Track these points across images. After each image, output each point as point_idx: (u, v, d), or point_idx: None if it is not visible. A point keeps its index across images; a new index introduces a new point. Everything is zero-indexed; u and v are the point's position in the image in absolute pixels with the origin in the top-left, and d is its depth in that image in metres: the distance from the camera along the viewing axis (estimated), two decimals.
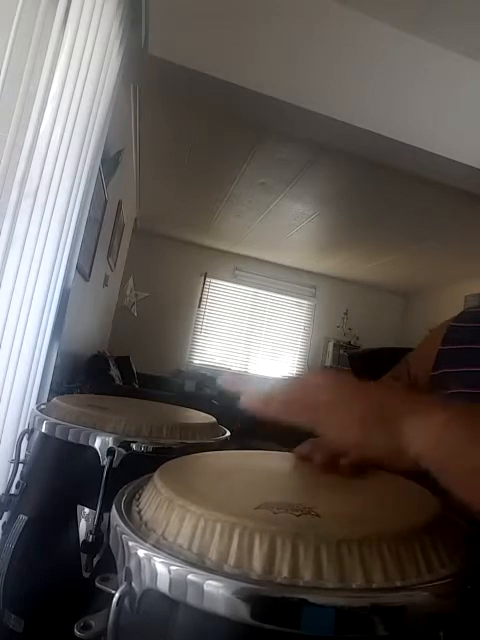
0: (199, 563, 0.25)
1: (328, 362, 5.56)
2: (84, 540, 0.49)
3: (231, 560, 0.25)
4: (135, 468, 0.40)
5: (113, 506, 0.32)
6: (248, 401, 0.32)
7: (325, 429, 0.30)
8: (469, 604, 0.25)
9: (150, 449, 0.51)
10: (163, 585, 0.25)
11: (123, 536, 0.28)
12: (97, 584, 0.29)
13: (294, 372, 5.60)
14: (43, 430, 0.54)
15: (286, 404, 0.31)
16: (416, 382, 0.67)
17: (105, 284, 3.39)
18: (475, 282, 4.65)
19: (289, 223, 4.10)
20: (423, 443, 0.28)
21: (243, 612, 0.23)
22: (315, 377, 0.35)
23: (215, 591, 0.23)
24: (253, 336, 5.50)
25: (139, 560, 0.26)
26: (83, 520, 0.51)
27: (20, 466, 0.60)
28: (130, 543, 0.27)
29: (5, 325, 1.06)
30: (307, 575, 0.24)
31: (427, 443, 0.28)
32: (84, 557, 0.49)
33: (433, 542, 0.27)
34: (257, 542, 0.25)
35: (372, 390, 0.33)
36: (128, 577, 0.26)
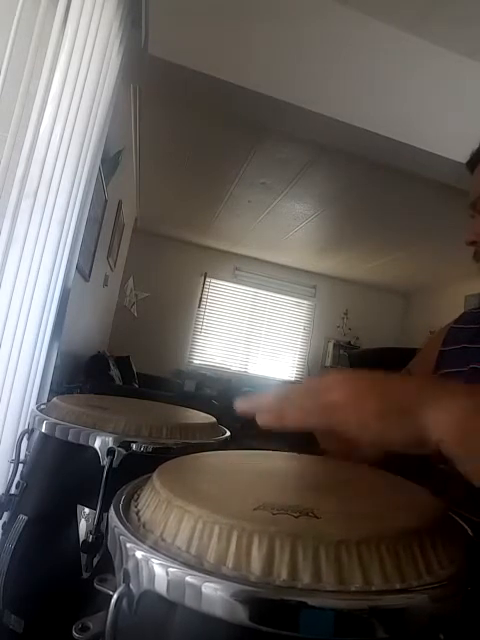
0: (197, 565, 0.25)
1: (328, 362, 5.56)
2: (84, 540, 0.49)
3: (229, 562, 0.25)
4: (135, 468, 0.40)
5: (111, 507, 0.31)
6: (263, 418, 0.31)
7: (343, 429, 0.29)
8: (469, 606, 0.25)
9: (150, 449, 0.51)
10: (161, 587, 0.25)
11: (121, 537, 0.27)
12: (96, 585, 0.29)
13: (298, 376, 5.60)
14: (43, 430, 0.54)
15: (300, 412, 0.31)
16: None
17: (105, 284, 3.39)
18: (475, 282, 4.64)
19: (289, 223, 4.10)
20: (446, 429, 0.27)
21: (241, 614, 0.22)
22: (324, 379, 0.34)
23: (213, 593, 0.23)
24: (253, 336, 5.50)
25: (137, 561, 0.26)
26: (83, 520, 0.51)
27: (20, 466, 0.60)
28: (128, 544, 0.27)
29: (5, 325, 1.06)
30: (306, 577, 0.24)
31: (450, 429, 0.27)
32: (84, 557, 0.49)
33: (433, 543, 0.27)
34: (256, 544, 0.25)
35: (386, 381, 0.33)
36: (126, 579, 0.26)
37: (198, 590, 0.23)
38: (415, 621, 0.23)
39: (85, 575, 0.49)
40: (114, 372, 3.18)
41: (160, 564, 0.25)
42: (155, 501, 0.31)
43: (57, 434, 0.53)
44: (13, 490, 0.57)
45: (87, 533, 0.49)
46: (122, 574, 0.27)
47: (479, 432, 0.27)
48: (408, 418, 0.28)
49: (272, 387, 0.35)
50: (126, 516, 0.31)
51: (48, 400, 0.80)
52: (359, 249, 4.57)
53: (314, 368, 5.60)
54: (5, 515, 0.57)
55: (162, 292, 5.08)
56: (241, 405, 0.33)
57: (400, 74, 1.92)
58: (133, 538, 0.27)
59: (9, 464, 0.61)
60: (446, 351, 0.66)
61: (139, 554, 0.26)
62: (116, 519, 0.30)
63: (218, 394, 4.32)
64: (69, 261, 1.27)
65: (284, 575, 0.24)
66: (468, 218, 0.68)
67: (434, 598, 0.24)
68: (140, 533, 0.28)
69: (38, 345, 1.17)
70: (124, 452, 0.50)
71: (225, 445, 0.59)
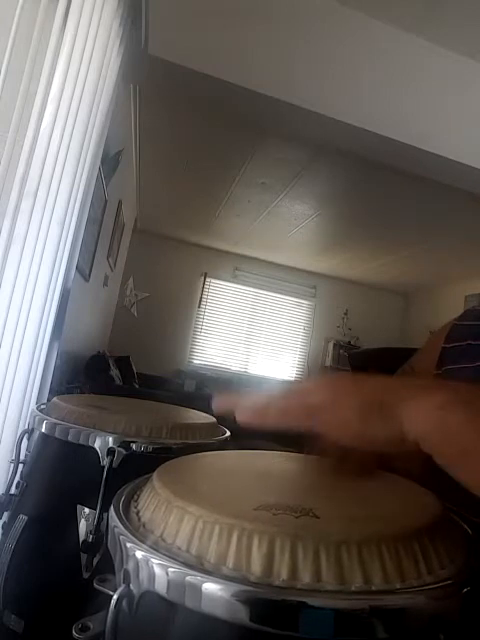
0: (197, 565, 0.25)
1: (328, 362, 5.56)
2: (84, 540, 0.49)
3: (230, 562, 0.25)
4: (135, 468, 0.40)
5: (111, 507, 0.31)
6: (242, 416, 0.31)
7: (325, 430, 0.29)
8: (470, 606, 0.25)
9: (150, 449, 0.51)
10: (161, 587, 0.25)
11: (121, 537, 0.27)
12: (96, 585, 0.29)
13: (291, 376, 5.59)
14: (43, 430, 0.54)
15: (282, 412, 0.31)
16: None
17: (105, 284, 3.39)
18: (475, 282, 4.65)
19: (289, 223, 4.10)
20: (422, 426, 0.27)
21: (242, 614, 0.22)
22: (308, 382, 0.35)
23: (213, 593, 0.23)
24: (253, 336, 5.50)
25: (137, 562, 0.26)
26: (83, 520, 0.51)
27: (20, 466, 0.60)
28: (128, 544, 0.27)
29: (5, 325, 1.06)
30: (306, 577, 0.24)
31: (425, 426, 0.27)
32: (84, 557, 0.49)
33: (433, 543, 0.27)
34: (256, 544, 0.25)
35: (367, 382, 0.32)
36: (126, 579, 0.26)
37: (198, 590, 0.23)
38: (415, 621, 0.23)
39: (85, 575, 0.49)
40: (114, 372, 3.18)
41: (160, 564, 0.25)
42: (155, 501, 0.31)
43: (57, 434, 0.53)
44: (13, 490, 0.57)
45: (87, 533, 0.49)
46: (122, 574, 0.27)
47: (450, 430, 0.27)
48: (388, 416, 0.28)
49: (263, 387, 0.35)
50: (126, 516, 0.31)
51: (48, 400, 0.80)
52: (359, 249, 4.57)
53: (314, 368, 5.60)
54: (5, 515, 0.57)
55: (162, 292, 5.07)
56: (219, 403, 0.33)
57: (400, 74, 1.92)
58: (133, 538, 0.27)
59: (9, 464, 0.61)
60: (449, 348, 0.66)
61: (139, 554, 0.26)
62: (116, 519, 0.30)
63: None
64: (69, 261, 1.27)
65: (284, 575, 0.24)
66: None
67: (434, 598, 0.24)
68: (140, 533, 0.28)
69: (38, 345, 1.17)
70: (124, 452, 0.50)
71: (225, 445, 0.59)
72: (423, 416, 0.27)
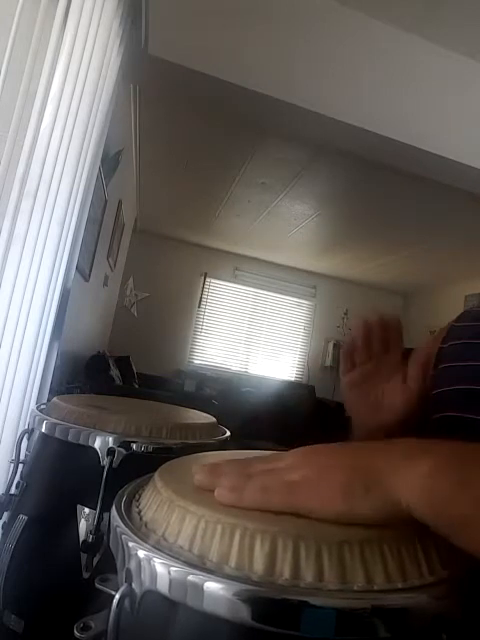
0: (200, 564, 0.25)
1: (328, 362, 5.56)
2: (84, 540, 0.49)
3: (232, 561, 0.25)
4: (135, 468, 0.40)
5: (113, 506, 0.31)
6: (221, 495, 0.29)
7: (308, 509, 0.28)
8: (472, 605, 0.25)
9: (150, 449, 0.51)
10: (163, 586, 0.25)
11: (123, 537, 0.27)
12: (97, 585, 0.29)
13: (298, 376, 5.58)
14: (43, 430, 0.54)
15: (262, 490, 0.29)
16: None
17: (105, 284, 3.39)
18: (475, 282, 4.65)
19: (289, 223, 4.10)
20: (411, 498, 0.26)
21: (244, 613, 0.22)
22: (286, 456, 0.33)
23: (215, 592, 0.23)
24: (253, 336, 5.50)
25: (139, 561, 0.26)
26: (83, 520, 0.51)
27: (20, 466, 0.60)
28: (130, 544, 0.27)
29: (5, 325, 1.06)
30: (308, 576, 0.24)
31: (414, 498, 0.26)
32: (84, 557, 0.49)
33: (435, 543, 0.27)
34: (258, 543, 0.25)
35: (348, 453, 0.32)
36: (128, 578, 0.26)
37: (200, 589, 0.23)
38: (417, 620, 0.23)
39: (85, 575, 0.49)
40: (114, 372, 3.18)
41: (162, 563, 0.25)
42: (157, 501, 0.31)
43: (57, 434, 0.53)
44: (13, 490, 0.57)
45: (87, 533, 0.49)
46: (124, 573, 0.27)
47: (440, 498, 0.26)
48: (374, 491, 0.27)
49: (241, 463, 0.34)
50: (128, 516, 0.31)
51: (48, 400, 0.80)
52: (359, 249, 4.58)
53: (314, 368, 5.60)
54: (5, 515, 0.57)
55: (162, 292, 5.07)
56: (201, 479, 0.32)
57: (400, 74, 1.92)
58: (135, 537, 0.27)
59: (9, 464, 0.61)
60: (445, 347, 0.66)
61: (141, 553, 0.26)
62: (118, 519, 0.30)
63: (218, 394, 4.32)
64: (69, 261, 1.27)
65: (286, 574, 0.24)
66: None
67: (436, 597, 0.24)
68: (142, 532, 0.28)
69: (38, 345, 1.17)
70: (124, 452, 0.50)
71: (225, 445, 0.59)
72: (410, 487, 0.26)
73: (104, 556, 0.49)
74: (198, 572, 0.24)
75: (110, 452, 0.50)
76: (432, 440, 0.31)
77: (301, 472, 0.30)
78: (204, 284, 5.32)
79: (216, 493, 0.30)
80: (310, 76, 1.82)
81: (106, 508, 0.48)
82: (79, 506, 0.51)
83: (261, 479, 0.30)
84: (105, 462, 0.50)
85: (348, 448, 0.33)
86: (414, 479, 0.27)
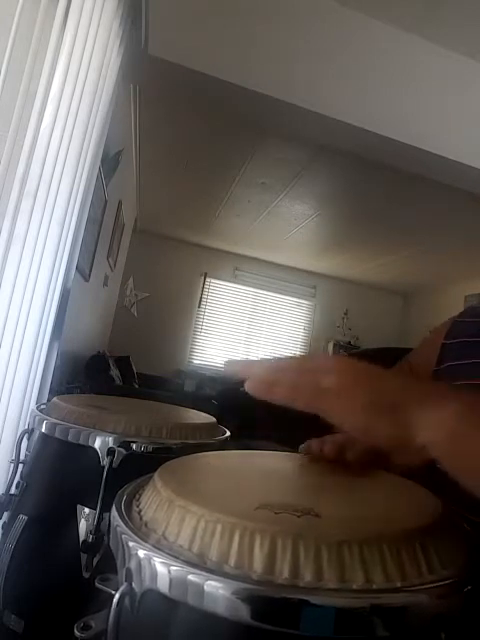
0: (200, 563, 0.25)
1: None
2: (84, 540, 0.49)
3: (232, 560, 0.25)
4: (135, 468, 0.40)
5: (113, 506, 0.32)
6: (252, 385, 0.30)
7: (331, 415, 0.29)
8: (470, 605, 0.25)
9: (150, 449, 0.51)
10: (163, 585, 0.25)
11: (123, 536, 0.28)
12: (97, 584, 0.29)
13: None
14: (43, 430, 0.54)
15: (291, 389, 0.30)
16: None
17: (105, 284, 3.39)
18: (475, 282, 4.65)
19: (289, 223, 4.10)
20: (434, 433, 0.27)
21: (243, 612, 0.23)
22: (321, 361, 0.34)
23: (215, 591, 0.23)
24: (253, 336, 5.50)
25: (139, 560, 0.26)
26: (83, 520, 0.51)
27: (20, 466, 0.60)
28: (130, 543, 0.27)
29: (5, 325, 1.06)
30: (308, 575, 0.24)
31: (438, 433, 0.27)
32: (84, 557, 0.49)
33: (434, 542, 0.27)
34: (258, 542, 0.25)
35: (379, 376, 0.33)
36: (128, 577, 0.26)
37: (200, 588, 0.23)
38: (416, 619, 0.24)
39: (85, 575, 0.49)
40: (114, 372, 3.18)
41: (162, 562, 0.25)
42: (157, 500, 0.31)
43: (57, 434, 0.53)
44: (13, 490, 0.57)
45: (87, 533, 0.49)
46: (124, 573, 0.27)
47: (466, 437, 0.27)
48: (395, 415, 0.28)
49: (275, 362, 0.34)
50: (128, 515, 0.31)
51: (48, 400, 0.80)
52: (359, 249, 4.57)
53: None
54: (5, 515, 0.57)
55: (162, 292, 5.07)
56: (232, 366, 0.33)
57: (400, 74, 1.92)
58: (135, 537, 0.27)
59: (9, 464, 0.61)
60: (449, 344, 0.66)
61: (141, 553, 0.26)
62: (118, 518, 0.30)
63: (218, 394, 4.32)
64: (69, 261, 1.27)
65: (286, 573, 0.24)
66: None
67: (435, 597, 0.24)
68: (142, 532, 0.29)
69: (38, 345, 1.17)
70: (124, 452, 0.50)
71: (225, 445, 0.59)
72: (436, 424, 0.27)
73: (104, 556, 0.49)
74: (198, 571, 0.24)
75: (110, 452, 0.50)
76: (458, 389, 0.32)
77: (333, 380, 0.31)
78: (204, 284, 5.32)
79: (247, 384, 0.30)
80: (310, 76, 1.82)
81: (106, 508, 0.48)
82: (79, 506, 0.51)
83: (294, 377, 0.31)
84: (105, 462, 0.50)
85: (383, 373, 0.33)
86: (438, 419, 0.28)
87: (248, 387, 0.30)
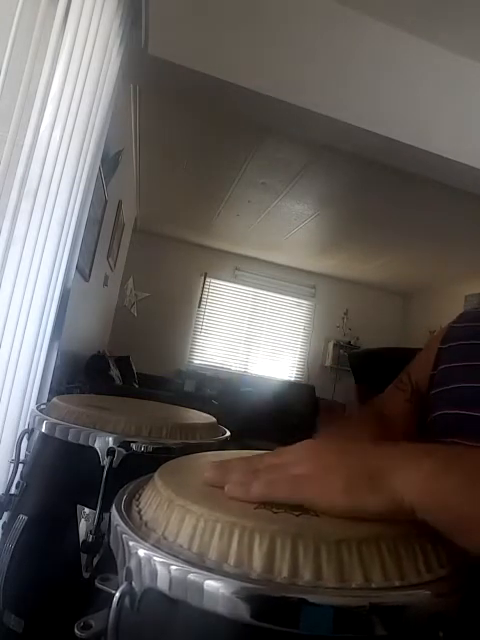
0: (199, 563, 0.25)
1: (328, 362, 5.56)
2: (84, 540, 0.49)
3: (231, 560, 0.25)
4: (135, 468, 0.40)
5: (113, 506, 0.32)
6: (232, 492, 0.31)
7: (314, 502, 0.29)
8: (469, 604, 0.25)
9: (150, 449, 0.51)
10: (163, 584, 0.25)
11: (123, 536, 0.28)
12: (97, 584, 0.29)
13: (298, 376, 5.58)
14: (43, 430, 0.54)
15: (268, 486, 0.30)
16: (417, 388, 0.67)
17: (105, 284, 3.39)
18: (475, 282, 4.65)
19: (289, 223, 4.10)
20: (415, 496, 0.27)
21: (243, 611, 0.23)
22: (292, 450, 0.34)
23: (215, 590, 0.23)
24: (253, 336, 5.51)
25: (139, 560, 0.26)
26: (83, 520, 0.51)
27: (20, 466, 0.60)
28: (130, 543, 0.27)
29: (5, 325, 1.06)
30: (307, 574, 0.24)
31: (418, 496, 0.27)
32: (84, 557, 0.50)
33: (433, 542, 0.27)
34: (257, 542, 0.25)
35: (354, 451, 0.33)
36: (128, 577, 0.27)
37: (200, 587, 0.24)
38: (415, 618, 0.24)
39: (85, 575, 0.49)
40: (114, 372, 3.18)
41: (162, 562, 0.25)
42: (157, 500, 0.31)
43: (57, 434, 0.53)
44: (13, 490, 0.57)
45: (87, 533, 0.50)
46: (124, 572, 0.27)
47: (442, 498, 0.27)
48: (378, 488, 0.28)
49: (248, 462, 0.35)
50: (128, 515, 0.31)
51: (48, 400, 0.80)
52: (359, 249, 4.58)
53: (314, 368, 5.61)
54: (5, 515, 0.57)
55: (162, 292, 5.07)
56: (211, 476, 0.33)
57: (401, 75, 1.92)
58: (135, 536, 0.27)
59: (9, 464, 0.61)
60: (445, 348, 0.67)
61: (141, 552, 0.26)
62: (118, 518, 0.30)
63: (218, 394, 4.32)
64: (69, 261, 1.27)
65: (285, 572, 0.24)
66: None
67: (434, 596, 0.24)
68: (142, 531, 0.29)
69: (38, 345, 1.17)
70: (124, 452, 0.50)
71: (225, 445, 0.59)
72: (414, 486, 0.28)
73: (104, 556, 0.49)
74: (198, 570, 0.24)
75: (110, 452, 0.50)
76: (432, 444, 0.32)
77: (306, 467, 0.31)
78: (204, 284, 5.32)
79: (226, 489, 0.31)
80: (310, 76, 1.82)
81: (106, 508, 0.48)
82: (79, 506, 0.51)
83: (267, 474, 0.31)
84: (105, 462, 0.50)
85: (353, 447, 0.34)
86: (416, 480, 0.28)
87: (227, 493, 0.31)
